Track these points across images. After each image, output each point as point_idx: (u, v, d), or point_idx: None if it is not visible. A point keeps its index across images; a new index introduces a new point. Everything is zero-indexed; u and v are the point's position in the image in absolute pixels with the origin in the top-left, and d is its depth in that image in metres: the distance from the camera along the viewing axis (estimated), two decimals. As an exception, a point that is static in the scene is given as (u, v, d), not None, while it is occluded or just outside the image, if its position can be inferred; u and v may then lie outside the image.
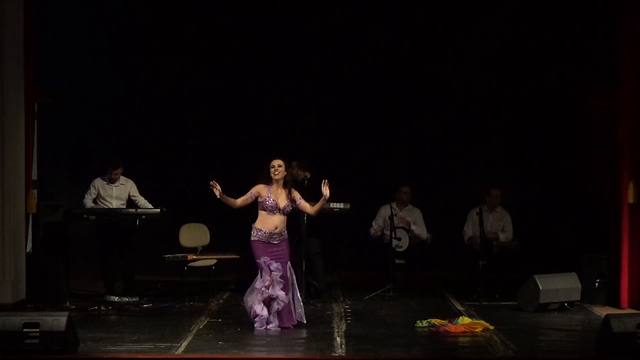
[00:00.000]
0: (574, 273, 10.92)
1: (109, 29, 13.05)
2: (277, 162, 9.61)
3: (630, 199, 10.64)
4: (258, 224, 9.59)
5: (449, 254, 12.48)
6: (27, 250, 11.00)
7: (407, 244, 11.75)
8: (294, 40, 13.27)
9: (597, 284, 11.14)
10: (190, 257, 11.40)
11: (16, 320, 8.07)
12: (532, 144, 13.32)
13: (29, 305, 10.43)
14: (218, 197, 9.52)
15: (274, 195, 9.57)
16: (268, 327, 9.41)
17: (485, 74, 13.28)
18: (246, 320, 9.82)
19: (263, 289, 9.45)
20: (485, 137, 13.33)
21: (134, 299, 11.22)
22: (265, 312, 9.43)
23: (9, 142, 10.40)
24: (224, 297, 11.60)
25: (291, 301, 9.59)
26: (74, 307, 10.57)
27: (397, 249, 11.69)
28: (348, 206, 11.58)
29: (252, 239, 9.58)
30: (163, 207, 11.41)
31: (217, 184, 9.49)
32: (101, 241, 11.46)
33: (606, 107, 11.86)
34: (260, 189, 9.61)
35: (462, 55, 13.26)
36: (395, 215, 11.88)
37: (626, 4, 10.80)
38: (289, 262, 9.64)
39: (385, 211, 11.98)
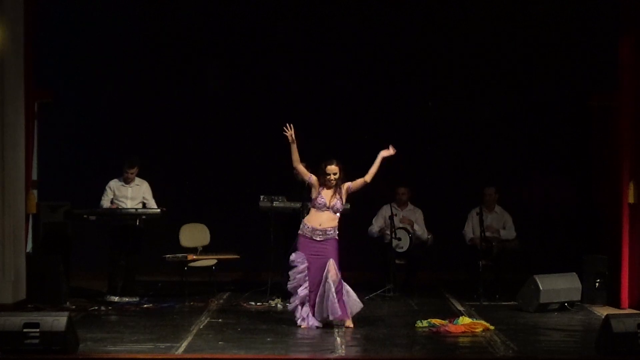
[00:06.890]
0: (574, 273, 10.92)
1: (109, 29, 13.03)
2: (333, 170, 9.62)
3: (630, 199, 10.64)
4: (306, 219, 9.69)
5: (449, 254, 12.47)
6: (27, 250, 11.00)
7: (408, 245, 11.76)
8: (294, 41, 13.26)
9: (597, 284, 11.14)
10: (190, 257, 11.40)
11: (16, 320, 8.05)
12: (533, 144, 13.31)
13: (29, 305, 10.42)
14: (290, 141, 9.55)
15: (325, 193, 9.64)
16: (303, 324, 9.53)
17: (487, 75, 13.26)
18: (247, 320, 9.91)
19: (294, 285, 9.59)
20: (486, 138, 13.31)
21: (134, 299, 11.21)
22: (293, 305, 9.60)
23: (9, 142, 10.39)
24: (224, 297, 11.58)
25: (322, 299, 9.51)
26: (74, 307, 10.55)
27: (398, 249, 11.69)
28: (348, 206, 11.54)
29: (299, 232, 9.66)
30: (163, 207, 11.41)
31: (291, 128, 9.51)
32: (112, 241, 11.43)
33: (607, 108, 11.86)
34: (315, 183, 9.65)
35: (463, 57, 13.24)
36: (396, 215, 11.90)
37: (626, 6, 10.80)
38: (331, 260, 9.50)
39: (385, 211, 11.97)
